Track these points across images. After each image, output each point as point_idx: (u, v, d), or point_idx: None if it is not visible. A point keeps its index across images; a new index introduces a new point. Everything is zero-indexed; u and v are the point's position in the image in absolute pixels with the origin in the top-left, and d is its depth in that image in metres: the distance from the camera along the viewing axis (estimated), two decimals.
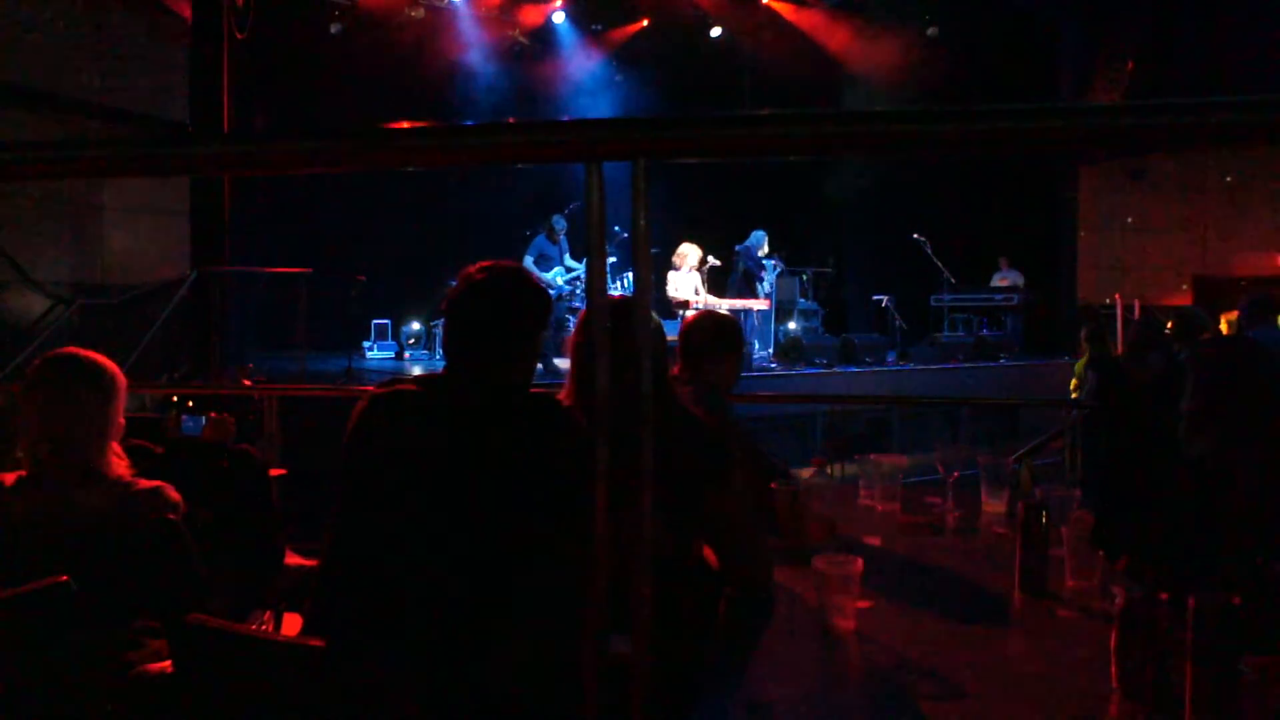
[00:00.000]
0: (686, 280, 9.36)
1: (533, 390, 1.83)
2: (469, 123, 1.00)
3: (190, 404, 4.62)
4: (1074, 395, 7.36)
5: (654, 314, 1.76)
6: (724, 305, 9.70)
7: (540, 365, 8.79)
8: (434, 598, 1.54)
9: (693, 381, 2.49)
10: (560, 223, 9.56)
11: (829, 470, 2.38)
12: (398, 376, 1.80)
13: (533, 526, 1.57)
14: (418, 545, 1.57)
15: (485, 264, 1.78)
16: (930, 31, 12.31)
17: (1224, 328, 6.20)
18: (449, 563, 1.55)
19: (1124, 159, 12.43)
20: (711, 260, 9.87)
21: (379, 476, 1.64)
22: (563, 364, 7.11)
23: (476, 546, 1.55)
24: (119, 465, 1.99)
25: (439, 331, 9.58)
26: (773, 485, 2.31)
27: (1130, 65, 11.55)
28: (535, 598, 1.55)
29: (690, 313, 7.48)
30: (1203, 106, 0.79)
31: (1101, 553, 2.04)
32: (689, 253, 9.37)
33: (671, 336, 3.64)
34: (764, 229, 10.69)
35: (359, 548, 1.62)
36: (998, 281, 11.99)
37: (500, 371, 1.72)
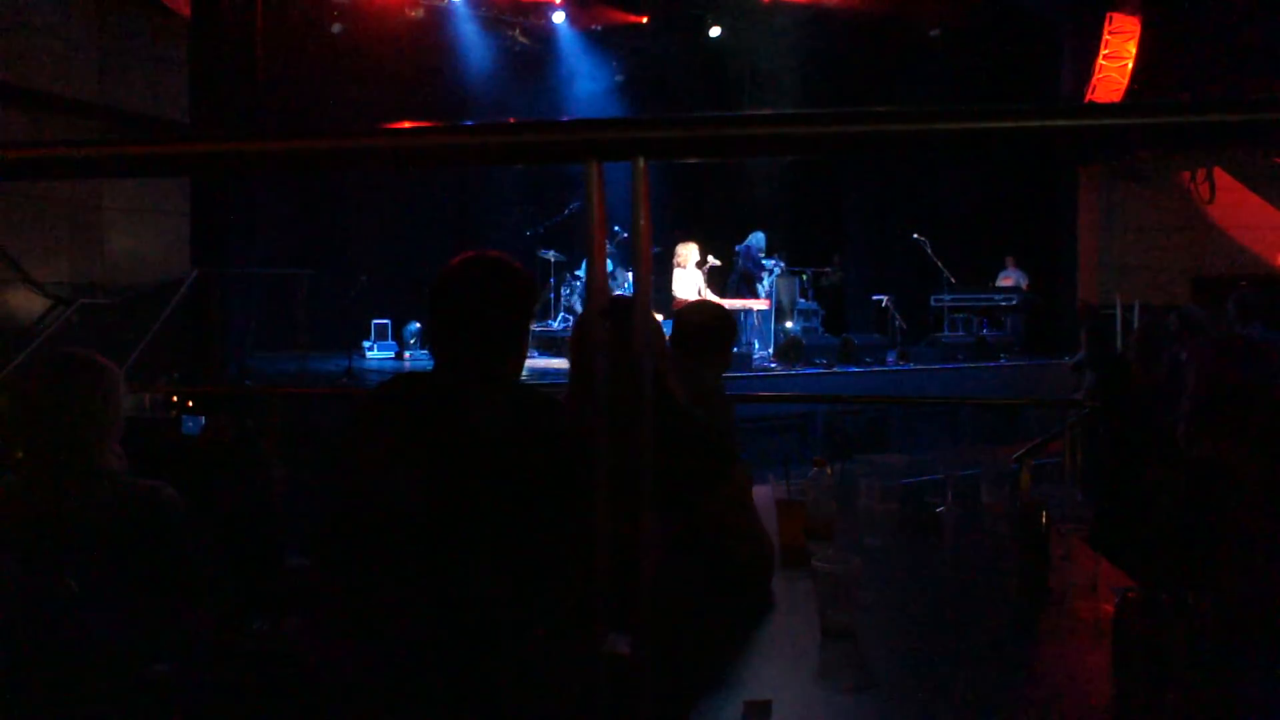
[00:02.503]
0: (689, 279, 9.40)
1: (527, 386, 1.81)
2: (469, 123, 1.00)
3: (190, 404, 4.61)
4: None
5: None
6: (724, 305, 9.73)
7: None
8: (429, 597, 1.54)
9: (685, 371, 2.49)
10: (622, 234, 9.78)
11: (829, 470, 2.38)
12: (395, 376, 1.80)
13: (526, 523, 1.56)
14: (411, 546, 1.56)
15: (467, 255, 1.73)
16: (932, 32, 12.32)
17: None
18: (443, 562, 1.55)
19: (1124, 159, 12.43)
20: (711, 260, 9.90)
21: (371, 479, 1.63)
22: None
23: (470, 545, 1.55)
24: (118, 464, 2.00)
25: None
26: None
27: (1132, 62, 11.55)
28: (531, 595, 1.55)
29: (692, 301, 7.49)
30: (1203, 106, 0.79)
31: (1101, 553, 2.04)
32: (688, 252, 9.39)
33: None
34: (763, 229, 10.71)
35: (353, 551, 1.62)
36: (1002, 280, 11.99)
37: (487, 365, 1.68)
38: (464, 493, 1.57)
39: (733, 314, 2.81)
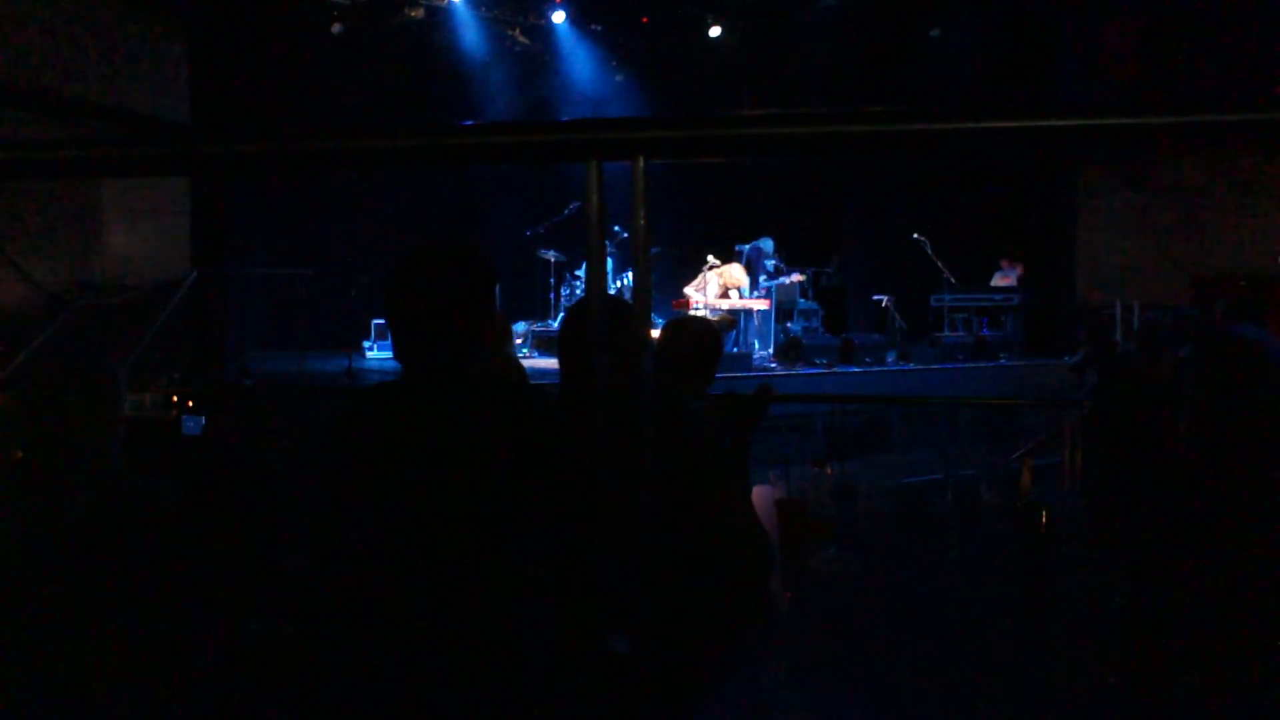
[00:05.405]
0: (710, 291, 9.52)
1: (497, 379, 1.76)
2: (469, 123, 1.00)
3: (190, 404, 4.61)
4: None
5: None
6: (724, 305, 9.74)
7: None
8: (422, 595, 1.53)
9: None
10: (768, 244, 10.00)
11: (829, 470, 2.39)
12: (371, 388, 1.76)
13: (514, 517, 1.54)
14: (398, 550, 1.55)
15: (415, 248, 1.62)
16: (932, 32, 12.33)
17: None
18: (430, 563, 1.53)
19: (1123, 159, 12.42)
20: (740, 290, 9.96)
21: (355, 495, 1.61)
22: None
23: (455, 546, 1.54)
24: (118, 464, 2.00)
25: None
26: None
27: (1132, 62, 11.55)
28: (518, 589, 1.54)
29: (681, 315, 7.55)
30: (1203, 106, 0.79)
31: (1101, 553, 2.04)
32: (735, 274, 9.56)
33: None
34: (762, 229, 10.74)
35: (343, 557, 1.61)
36: (998, 281, 11.99)
37: (452, 362, 1.61)
38: (449, 497, 1.55)
39: (719, 333, 2.74)
